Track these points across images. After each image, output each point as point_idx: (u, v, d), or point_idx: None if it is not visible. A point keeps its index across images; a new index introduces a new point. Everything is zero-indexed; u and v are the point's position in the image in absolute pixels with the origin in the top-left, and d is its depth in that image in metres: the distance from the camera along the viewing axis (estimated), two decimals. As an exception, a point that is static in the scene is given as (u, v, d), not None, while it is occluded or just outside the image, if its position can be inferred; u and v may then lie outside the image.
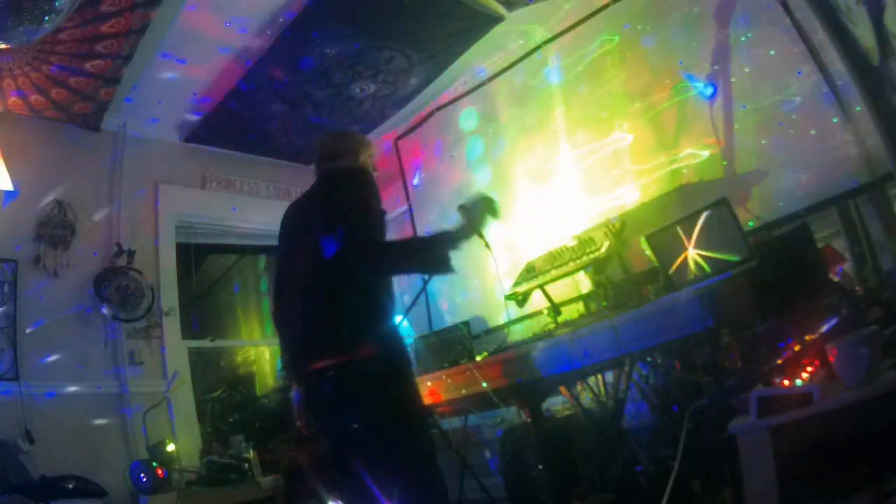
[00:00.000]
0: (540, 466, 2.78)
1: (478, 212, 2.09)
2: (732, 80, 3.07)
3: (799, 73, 2.85)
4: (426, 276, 2.29)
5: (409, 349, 2.28)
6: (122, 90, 3.65)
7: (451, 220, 2.09)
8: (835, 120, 2.74)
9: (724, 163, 3.10)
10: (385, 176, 4.10)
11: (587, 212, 3.55)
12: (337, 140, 2.27)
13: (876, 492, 1.64)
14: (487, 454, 3.76)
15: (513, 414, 3.43)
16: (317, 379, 1.88)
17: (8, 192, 3.49)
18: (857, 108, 2.65)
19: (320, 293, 1.90)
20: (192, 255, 4.47)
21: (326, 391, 1.87)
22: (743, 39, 3.04)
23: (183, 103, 4.11)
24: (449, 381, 2.79)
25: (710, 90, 3.13)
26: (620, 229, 2.90)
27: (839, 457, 1.71)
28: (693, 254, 2.46)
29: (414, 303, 3.12)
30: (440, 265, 1.95)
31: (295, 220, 2.16)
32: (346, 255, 1.82)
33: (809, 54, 2.79)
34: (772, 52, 2.94)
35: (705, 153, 3.17)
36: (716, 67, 3.12)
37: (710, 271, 2.41)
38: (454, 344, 3.27)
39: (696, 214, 2.49)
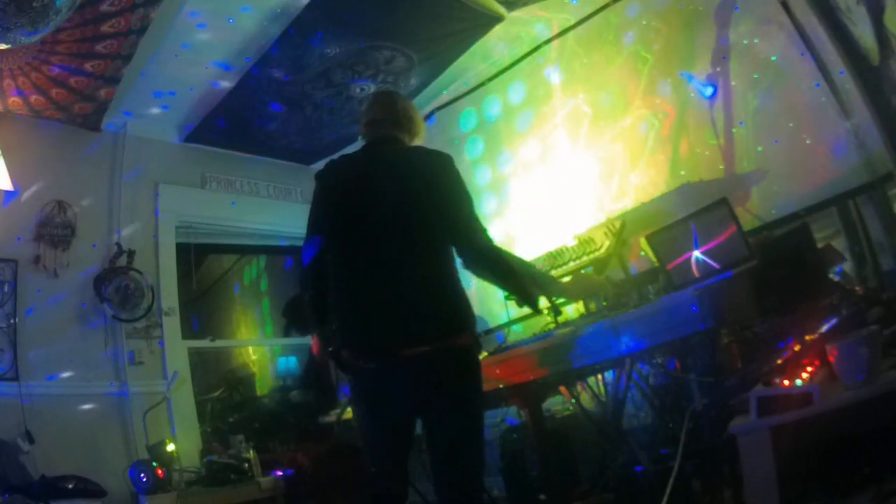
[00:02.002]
0: (539, 466, 2.77)
1: (588, 290, 2.58)
2: (732, 81, 3.07)
3: (799, 73, 2.85)
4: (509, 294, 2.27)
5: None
6: (122, 90, 3.64)
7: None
8: (834, 120, 2.74)
9: (722, 166, 3.10)
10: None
11: (587, 212, 3.55)
12: (409, 109, 2.17)
13: (876, 492, 1.64)
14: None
15: (513, 414, 3.42)
16: (420, 360, 1.78)
17: (8, 192, 3.49)
18: (857, 109, 2.65)
19: (435, 273, 1.88)
20: (192, 255, 4.46)
21: (427, 375, 1.80)
22: (745, 42, 3.04)
23: (183, 103, 4.10)
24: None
25: (709, 90, 3.13)
26: (620, 229, 2.91)
27: (839, 457, 1.71)
28: (697, 254, 2.47)
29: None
30: (528, 294, 2.05)
31: (373, 182, 1.95)
32: (471, 236, 1.92)
33: (810, 54, 2.79)
34: (772, 55, 2.94)
35: (705, 153, 3.17)
36: (717, 69, 3.12)
37: (710, 271, 2.41)
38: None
39: (708, 215, 2.49)
